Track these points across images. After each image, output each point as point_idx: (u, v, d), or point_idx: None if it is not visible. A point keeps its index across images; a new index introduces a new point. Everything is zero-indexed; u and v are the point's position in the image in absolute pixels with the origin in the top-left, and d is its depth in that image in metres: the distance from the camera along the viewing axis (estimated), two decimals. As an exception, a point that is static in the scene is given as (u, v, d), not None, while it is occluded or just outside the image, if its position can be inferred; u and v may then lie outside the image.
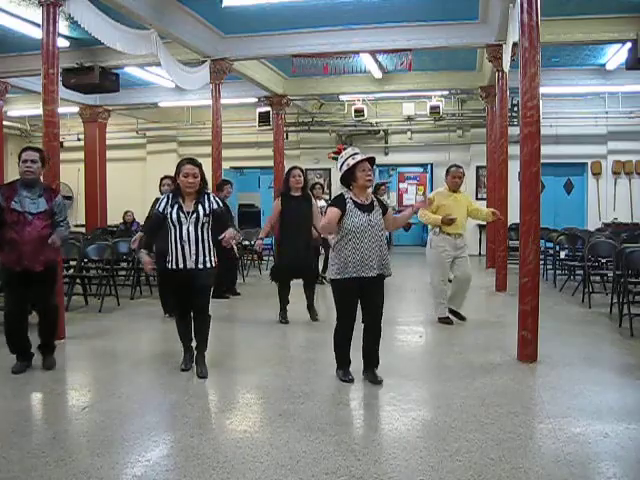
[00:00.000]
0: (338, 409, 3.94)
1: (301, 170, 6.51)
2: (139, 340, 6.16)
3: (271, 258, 12.54)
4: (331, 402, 4.04)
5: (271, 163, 12.76)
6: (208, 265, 4.52)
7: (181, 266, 4.47)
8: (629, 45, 8.64)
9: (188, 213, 4.46)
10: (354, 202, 4.24)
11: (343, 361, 4.45)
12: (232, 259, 8.03)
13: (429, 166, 14.83)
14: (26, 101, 13.13)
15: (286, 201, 6.40)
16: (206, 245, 4.52)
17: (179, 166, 4.54)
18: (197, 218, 4.46)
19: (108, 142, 14.11)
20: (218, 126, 9.99)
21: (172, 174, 6.98)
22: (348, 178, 4.27)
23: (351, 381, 4.36)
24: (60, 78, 6.80)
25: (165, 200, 4.55)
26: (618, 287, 6.63)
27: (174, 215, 4.46)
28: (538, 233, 5.05)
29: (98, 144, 13.57)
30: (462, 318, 6.48)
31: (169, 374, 4.94)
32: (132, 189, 15.36)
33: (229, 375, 4.56)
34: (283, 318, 6.60)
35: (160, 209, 4.51)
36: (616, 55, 10.13)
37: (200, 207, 4.49)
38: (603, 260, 8.39)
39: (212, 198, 4.59)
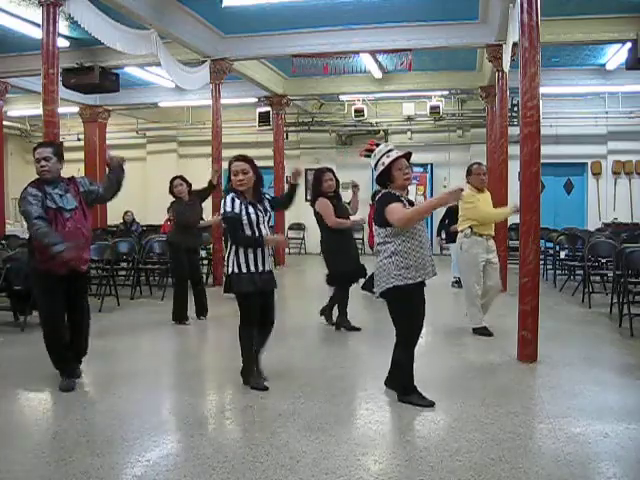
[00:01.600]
0: (338, 409, 3.94)
1: (332, 172, 6.11)
2: (139, 340, 6.16)
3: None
4: (331, 402, 4.04)
5: (271, 163, 12.75)
6: (272, 266, 4.36)
7: (261, 269, 4.20)
8: (629, 45, 8.65)
9: (262, 212, 4.24)
10: (404, 200, 3.88)
11: (412, 379, 4.01)
12: None
13: (429, 166, 14.82)
14: (26, 101, 13.13)
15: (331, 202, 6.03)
16: None
17: (229, 165, 4.24)
18: (270, 217, 4.30)
19: (108, 142, 14.10)
20: (218, 126, 10.00)
21: (173, 174, 7.09)
22: (385, 178, 3.93)
23: (433, 404, 3.93)
24: (60, 78, 6.81)
25: (237, 202, 4.14)
26: (618, 287, 6.63)
27: (253, 216, 4.15)
28: (538, 233, 5.04)
29: (98, 144, 13.57)
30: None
31: (169, 374, 4.94)
32: (132, 189, 15.25)
33: (229, 375, 4.56)
34: (346, 323, 6.23)
35: (237, 211, 4.12)
36: (616, 55, 10.13)
37: (267, 205, 4.32)
38: (603, 260, 8.39)
39: (267, 194, 4.42)
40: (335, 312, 6.38)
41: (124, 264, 9.34)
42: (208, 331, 6.74)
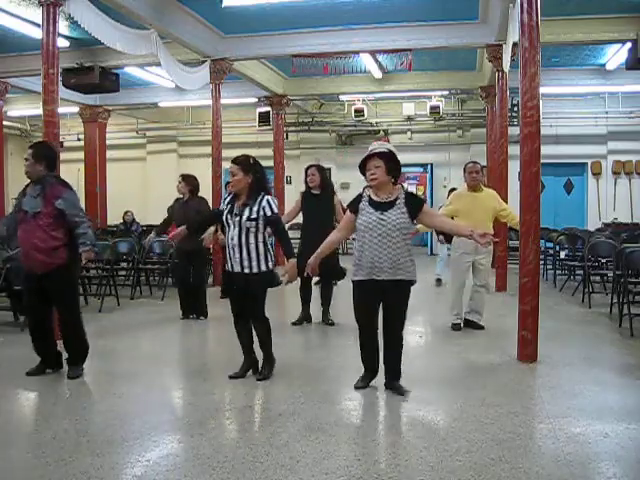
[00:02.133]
0: (338, 409, 3.94)
1: (317, 167, 6.33)
2: (139, 340, 6.16)
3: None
4: (331, 402, 4.04)
5: (271, 163, 12.73)
6: (255, 270, 4.28)
7: (230, 269, 4.40)
8: (629, 45, 8.65)
9: (235, 215, 4.29)
10: (370, 200, 4.00)
11: (364, 365, 4.32)
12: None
13: (429, 166, 14.85)
14: (26, 101, 13.13)
15: (305, 199, 6.31)
16: (252, 250, 4.27)
17: None
18: (239, 222, 4.25)
19: (108, 142, 14.11)
20: (218, 126, 9.99)
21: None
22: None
23: (358, 388, 4.23)
24: (60, 78, 6.80)
25: (225, 199, 4.53)
26: (618, 287, 6.63)
27: (224, 216, 4.39)
28: (538, 233, 5.04)
29: (98, 144, 13.57)
30: (480, 327, 6.17)
31: (169, 374, 4.94)
32: (132, 189, 15.38)
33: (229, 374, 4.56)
34: (299, 321, 6.45)
35: (220, 207, 4.52)
36: (616, 55, 10.13)
37: (246, 211, 4.26)
38: (603, 260, 8.39)
39: (267, 202, 4.30)
40: (332, 312, 6.48)
41: (124, 264, 9.34)
42: (208, 331, 6.74)
